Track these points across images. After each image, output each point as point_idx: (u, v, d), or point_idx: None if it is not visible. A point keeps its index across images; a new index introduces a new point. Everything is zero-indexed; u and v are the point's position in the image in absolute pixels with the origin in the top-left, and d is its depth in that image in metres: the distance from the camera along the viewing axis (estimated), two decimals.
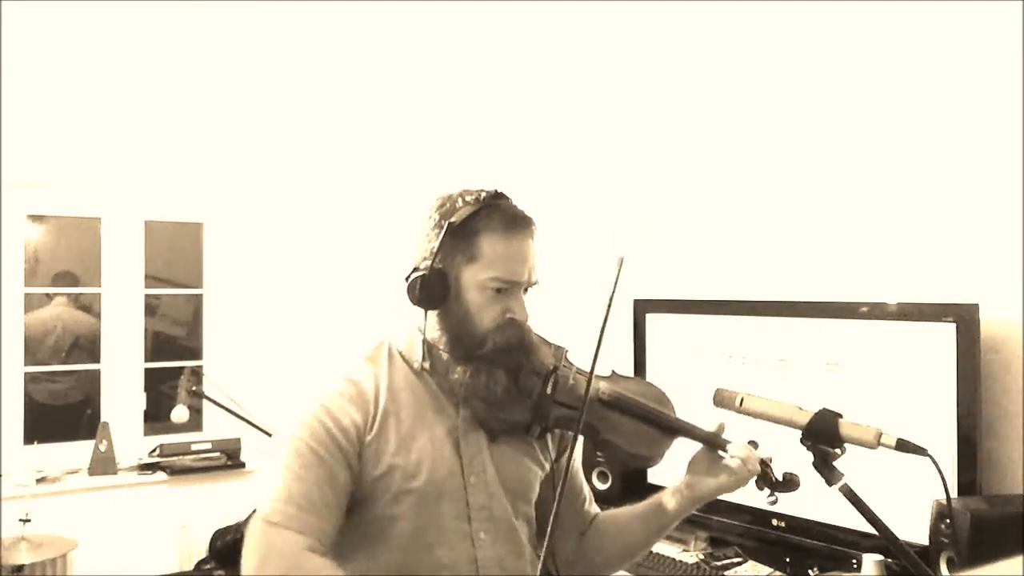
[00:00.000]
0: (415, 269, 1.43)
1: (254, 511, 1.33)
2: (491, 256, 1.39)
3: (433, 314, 1.43)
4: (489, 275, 1.39)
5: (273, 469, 1.36)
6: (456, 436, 1.43)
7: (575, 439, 1.35)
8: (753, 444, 1.46)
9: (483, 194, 1.44)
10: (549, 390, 1.42)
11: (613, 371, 1.55)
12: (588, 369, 1.35)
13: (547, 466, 1.53)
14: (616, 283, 1.34)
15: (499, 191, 1.47)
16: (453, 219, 1.40)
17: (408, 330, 1.49)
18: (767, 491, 1.47)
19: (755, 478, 1.46)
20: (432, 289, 1.40)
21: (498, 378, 1.39)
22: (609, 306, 1.32)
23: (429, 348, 1.45)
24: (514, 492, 1.46)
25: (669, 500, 1.49)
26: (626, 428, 1.48)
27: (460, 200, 1.43)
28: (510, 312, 1.41)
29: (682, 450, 1.50)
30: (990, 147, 2.08)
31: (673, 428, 1.49)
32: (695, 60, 2.85)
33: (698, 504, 1.48)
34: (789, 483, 1.46)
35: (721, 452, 1.46)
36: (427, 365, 1.45)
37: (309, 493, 1.31)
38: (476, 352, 1.40)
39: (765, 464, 1.46)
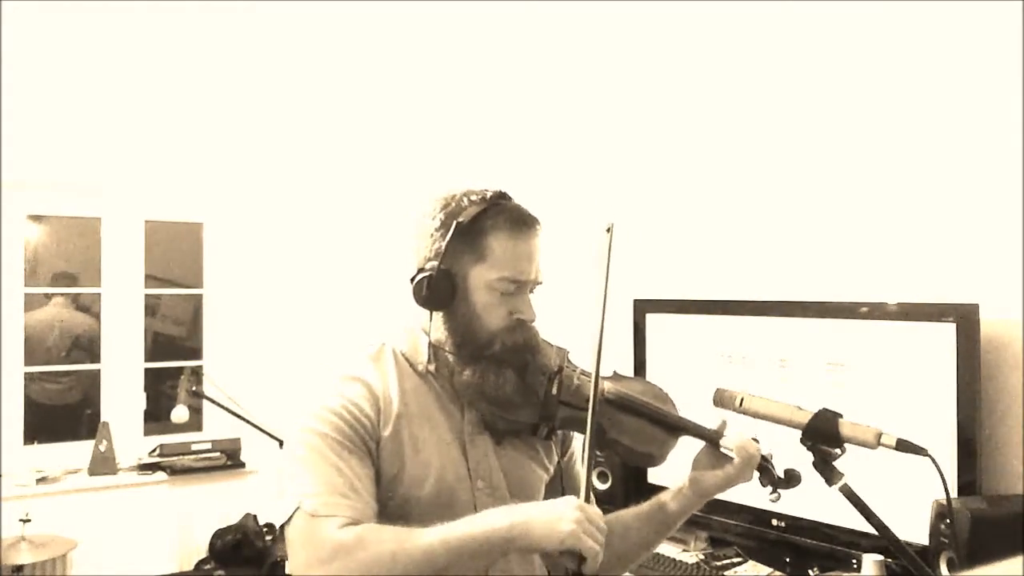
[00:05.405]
0: (420, 270, 1.41)
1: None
2: (500, 256, 1.38)
3: (438, 315, 1.41)
4: (498, 275, 1.38)
5: (299, 468, 1.30)
6: (463, 439, 1.41)
7: (589, 437, 1.31)
8: (753, 440, 1.45)
9: (488, 193, 1.43)
10: (555, 391, 1.40)
11: (615, 371, 1.54)
12: (590, 371, 1.33)
13: (551, 469, 1.51)
14: (610, 251, 1.34)
15: (503, 191, 1.46)
16: (461, 218, 1.38)
17: (409, 331, 1.47)
18: (769, 488, 1.45)
19: (757, 476, 1.44)
20: (439, 290, 1.38)
21: (507, 377, 1.38)
22: (607, 277, 1.31)
23: (434, 350, 1.43)
24: (519, 496, 1.44)
25: (673, 498, 1.48)
26: (632, 428, 1.46)
27: (465, 199, 1.41)
28: (518, 312, 1.40)
29: (682, 449, 1.50)
30: (990, 147, 2.08)
31: (678, 427, 1.48)
32: (696, 59, 2.85)
33: (703, 500, 1.46)
34: (791, 479, 1.44)
35: (723, 448, 1.45)
36: (432, 367, 1.43)
37: (348, 481, 1.28)
38: (484, 353, 1.38)
39: (766, 460, 1.45)
